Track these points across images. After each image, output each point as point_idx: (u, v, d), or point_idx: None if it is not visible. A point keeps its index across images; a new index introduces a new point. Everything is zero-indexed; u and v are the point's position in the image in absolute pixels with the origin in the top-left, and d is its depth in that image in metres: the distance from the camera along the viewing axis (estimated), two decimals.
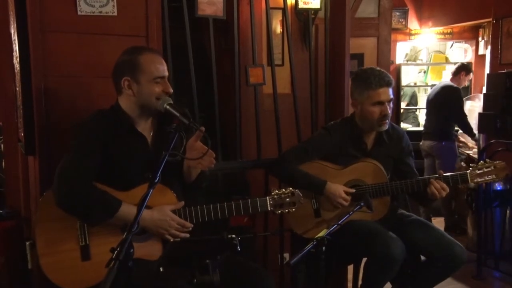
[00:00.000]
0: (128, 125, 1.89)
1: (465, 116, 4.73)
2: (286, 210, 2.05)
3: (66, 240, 1.79)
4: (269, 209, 2.02)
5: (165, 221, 1.82)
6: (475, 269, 3.56)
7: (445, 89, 4.76)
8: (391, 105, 2.39)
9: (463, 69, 4.86)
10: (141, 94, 1.86)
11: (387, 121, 2.38)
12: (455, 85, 4.77)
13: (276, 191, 2.05)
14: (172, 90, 1.90)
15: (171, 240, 1.85)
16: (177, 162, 1.95)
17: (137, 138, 1.91)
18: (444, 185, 2.27)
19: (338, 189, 2.33)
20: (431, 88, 6.24)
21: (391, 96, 2.38)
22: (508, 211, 3.82)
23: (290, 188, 2.06)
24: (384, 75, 2.35)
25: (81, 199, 1.74)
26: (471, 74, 5.01)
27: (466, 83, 4.92)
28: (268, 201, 2.01)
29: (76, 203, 1.74)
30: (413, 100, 7.10)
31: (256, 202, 2.00)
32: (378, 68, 2.41)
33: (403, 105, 6.93)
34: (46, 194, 1.83)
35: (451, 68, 6.45)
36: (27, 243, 2.38)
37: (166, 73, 1.91)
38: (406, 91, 7.04)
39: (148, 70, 1.85)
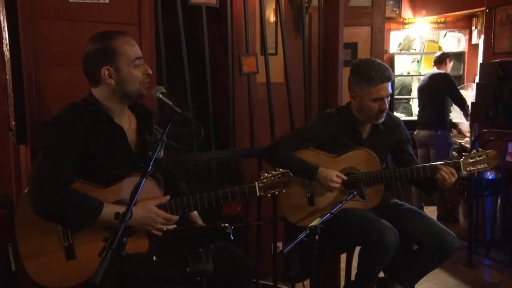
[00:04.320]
0: (106, 117, 1.80)
1: (462, 96, 4.77)
2: (277, 192, 2.02)
3: (49, 241, 1.74)
4: (258, 194, 1.98)
5: (150, 217, 1.78)
6: (466, 257, 3.62)
7: (435, 78, 4.81)
8: (389, 98, 2.38)
9: (446, 56, 4.95)
10: (123, 81, 1.76)
11: (384, 114, 2.39)
12: (443, 71, 4.83)
13: (266, 174, 2.01)
14: (151, 71, 1.84)
15: (159, 234, 1.82)
16: (160, 157, 1.92)
17: (115, 130, 1.82)
18: (453, 170, 2.26)
19: (331, 173, 2.33)
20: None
21: (390, 91, 2.36)
22: (499, 200, 3.87)
23: (280, 169, 2.02)
24: (385, 70, 2.32)
25: (59, 207, 1.65)
26: (452, 60, 5.09)
27: (449, 70, 4.98)
28: (256, 186, 1.98)
29: (54, 211, 1.66)
30: (404, 90, 7.11)
31: (244, 189, 1.96)
32: (378, 61, 2.36)
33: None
34: (23, 197, 1.75)
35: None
36: (9, 246, 2.35)
37: (141, 53, 1.83)
38: (397, 81, 7.05)
39: (125, 54, 1.75)
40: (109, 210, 1.68)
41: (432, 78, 4.82)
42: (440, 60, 4.91)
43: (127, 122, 1.89)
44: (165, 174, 2.01)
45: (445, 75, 4.81)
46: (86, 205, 1.69)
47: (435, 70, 4.94)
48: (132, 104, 1.90)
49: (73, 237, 1.76)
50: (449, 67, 4.94)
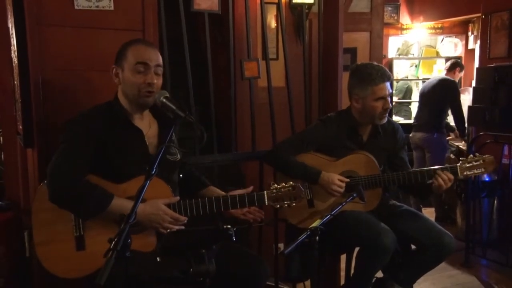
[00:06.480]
0: (123, 118, 1.89)
1: (462, 110, 4.81)
2: (286, 204, 2.00)
3: (61, 230, 1.81)
4: (266, 203, 1.99)
5: (158, 215, 1.81)
6: (463, 257, 3.67)
7: (443, 82, 4.81)
8: (389, 98, 2.44)
9: (458, 65, 4.99)
10: (124, 82, 1.87)
11: (387, 114, 2.44)
12: (452, 79, 4.86)
13: (276, 185, 2.00)
14: (155, 81, 1.85)
15: (165, 233, 1.85)
16: (176, 160, 1.99)
17: (133, 132, 1.90)
18: (451, 176, 2.30)
19: (333, 177, 2.35)
20: (423, 81, 6.31)
21: (390, 90, 2.43)
22: (495, 202, 3.91)
23: (291, 182, 2.01)
24: (384, 70, 2.40)
25: (71, 195, 1.75)
26: (463, 71, 5.14)
27: (457, 80, 5.03)
28: (265, 195, 1.99)
29: (66, 199, 1.76)
30: (407, 94, 7.18)
31: (253, 197, 1.97)
32: (376, 63, 2.44)
33: (395, 98, 7.01)
34: (43, 185, 1.84)
35: (442, 62, 6.57)
36: (25, 232, 2.40)
37: (152, 62, 1.86)
38: (400, 85, 7.12)
39: (130, 56, 1.85)
40: (119, 203, 1.76)
41: (441, 82, 4.81)
42: (451, 68, 4.97)
43: (147, 126, 1.96)
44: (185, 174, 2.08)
45: (453, 82, 4.83)
46: (96, 195, 1.76)
47: (443, 74, 4.98)
48: (154, 110, 1.97)
49: (85, 229, 1.82)
50: (457, 76, 4.98)
